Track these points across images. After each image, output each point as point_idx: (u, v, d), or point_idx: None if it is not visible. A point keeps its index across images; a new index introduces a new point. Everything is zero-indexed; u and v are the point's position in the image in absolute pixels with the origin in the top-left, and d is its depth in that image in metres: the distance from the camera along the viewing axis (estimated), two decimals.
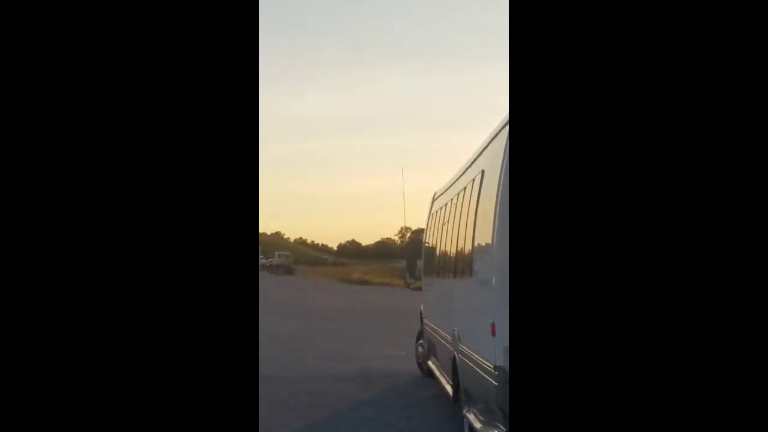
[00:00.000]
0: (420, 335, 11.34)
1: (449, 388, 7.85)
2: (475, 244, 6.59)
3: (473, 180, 7.09)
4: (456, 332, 7.35)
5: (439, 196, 10.36)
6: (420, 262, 11.96)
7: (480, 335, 6.00)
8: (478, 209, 6.59)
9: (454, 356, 7.32)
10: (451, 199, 8.66)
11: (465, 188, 7.61)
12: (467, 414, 6.52)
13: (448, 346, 7.94)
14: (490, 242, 5.81)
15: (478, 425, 6.05)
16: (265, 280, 55.60)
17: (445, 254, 8.85)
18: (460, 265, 7.35)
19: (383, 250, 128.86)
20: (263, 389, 9.11)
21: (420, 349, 11.12)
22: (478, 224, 6.54)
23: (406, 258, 13.71)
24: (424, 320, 10.95)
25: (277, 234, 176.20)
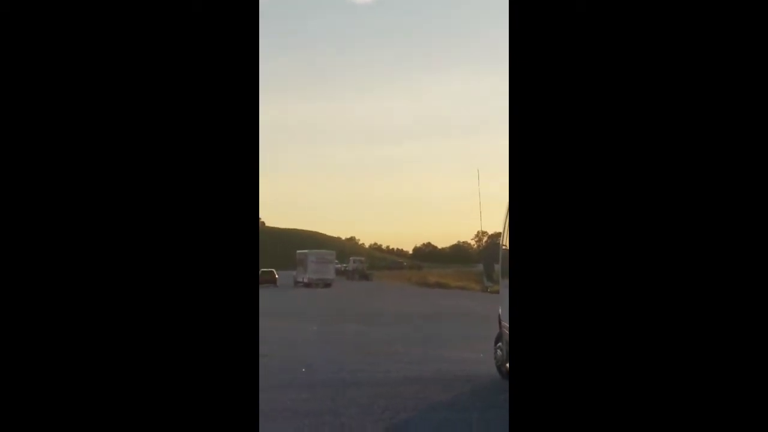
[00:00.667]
0: (498, 338, 11.25)
1: None
2: None
3: None
4: None
5: None
6: (497, 266, 11.86)
7: None
8: None
9: None
10: None
11: None
12: None
13: None
14: None
15: None
16: (342, 285, 55.98)
17: None
18: None
19: (459, 254, 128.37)
20: (344, 392, 9.21)
21: (499, 352, 11.04)
22: None
23: (484, 261, 13.62)
24: (503, 323, 10.86)
25: (352, 239, 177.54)
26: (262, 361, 13.41)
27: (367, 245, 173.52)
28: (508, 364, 10.12)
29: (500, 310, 11.35)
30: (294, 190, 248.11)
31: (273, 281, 52.90)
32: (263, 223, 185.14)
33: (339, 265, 72.26)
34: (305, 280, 53.76)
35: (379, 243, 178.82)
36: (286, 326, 19.69)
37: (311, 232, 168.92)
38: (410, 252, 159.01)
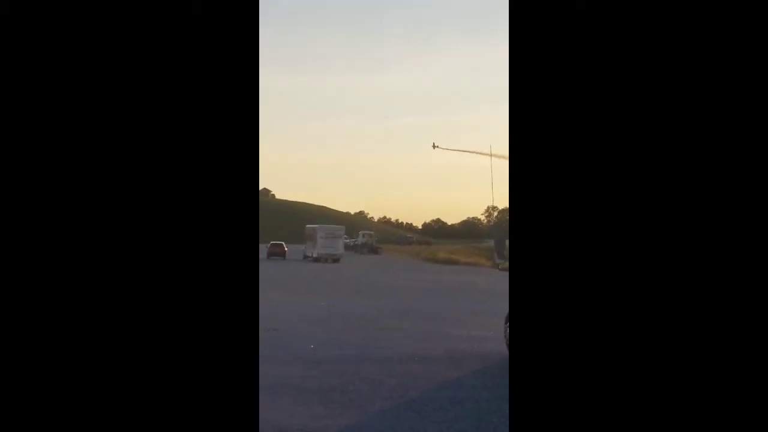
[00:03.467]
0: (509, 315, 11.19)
1: None
2: None
3: None
4: None
5: None
6: (508, 243, 11.77)
7: None
8: None
9: None
10: None
11: None
12: None
13: None
14: None
15: None
16: (350, 260, 56.12)
17: None
18: None
19: (469, 230, 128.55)
20: (352, 369, 9.18)
21: (509, 329, 10.99)
22: None
23: (494, 238, 13.55)
24: None
25: (361, 213, 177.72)
26: (271, 335, 13.43)
27: (376, 219, 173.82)
28: None
29: None
30: (304, 163, 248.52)
31: (282, 254, 53.22)
32: (273, 195, 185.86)
33: (348, 240, 72.34)
34: (314, 255, 53.96)
35: (388, 217, 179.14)
36: (295, 301, 19.71)
37: (320, 206, 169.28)
38: (420, 227, 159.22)
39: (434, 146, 71.55)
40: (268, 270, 37.22)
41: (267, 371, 8.89)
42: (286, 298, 20.08)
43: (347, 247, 66.78)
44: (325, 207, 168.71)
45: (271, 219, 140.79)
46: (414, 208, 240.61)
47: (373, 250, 74.42)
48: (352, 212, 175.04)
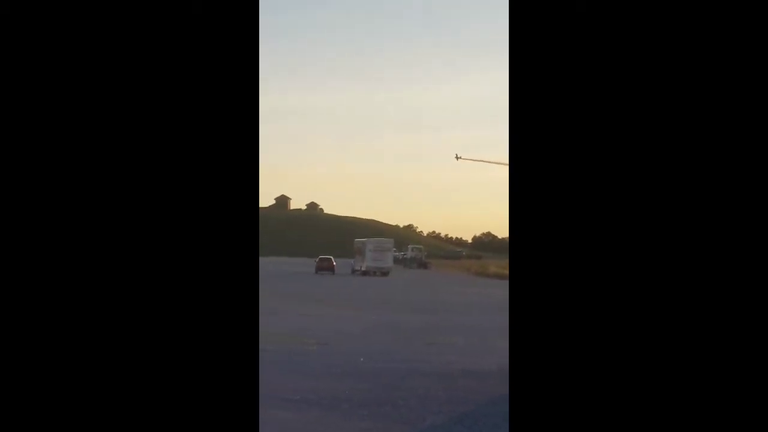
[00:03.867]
0: None
1: None
2: None
3: None
4: None
5: None
6: None
7: None
8: None
9: None
10: None
11: None
12: None
13: None
14: None
15: None
16: (399, 274, 56.07)
17: None
18: None
19: None
20: (402, 383, 9.13)
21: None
22: None
23: None
24: None
25: (410, 227, 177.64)
26: (321, 349, 13.46)
27: (425, 233, 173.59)
28: None
29: None
30: (352, 177, 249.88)
31: (331, 269, 53.31)
32: (321, 210, 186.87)
33: (397, 254, 72.27)
34: (363, 268, 53.96)
35: (437, 231, 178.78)
36: (344, 314, 19.73)
37: (369, 220, 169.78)
38: (469, 241, 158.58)
39: (457, 157, 70.41)
40: (316, 285, 37.38)
41: (317, 385, 8.89)
42: (335, 312, 20.12)
43: (396, 260, 66.63)
44: (374, 220, 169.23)
45: (320, 234, 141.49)
46: (464, 221, 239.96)
47: (422, 265, 74.08)
48: (401, 226, 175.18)
